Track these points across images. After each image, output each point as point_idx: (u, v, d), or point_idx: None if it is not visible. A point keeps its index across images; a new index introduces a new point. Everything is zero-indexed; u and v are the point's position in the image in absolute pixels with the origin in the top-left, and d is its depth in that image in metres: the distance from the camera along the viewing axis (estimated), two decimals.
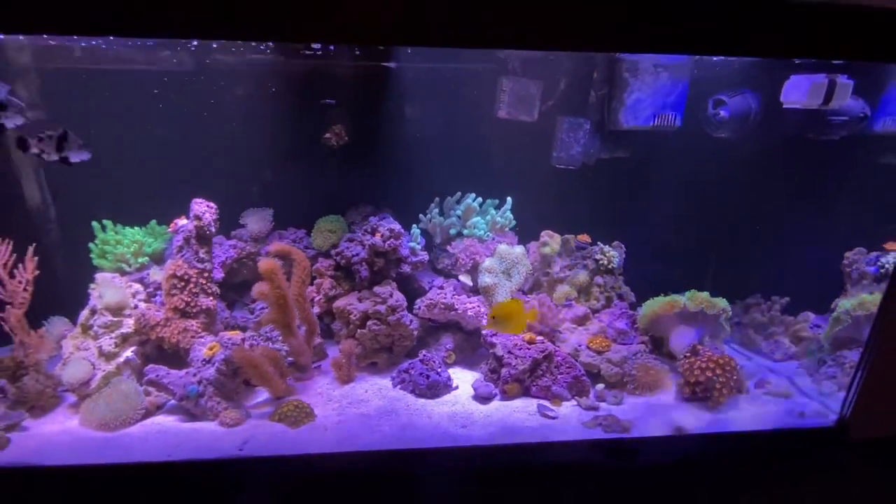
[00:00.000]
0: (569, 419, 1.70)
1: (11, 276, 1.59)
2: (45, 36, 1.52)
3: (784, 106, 1.73)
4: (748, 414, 1.74)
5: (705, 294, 1.86)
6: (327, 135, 1.99)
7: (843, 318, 1.82)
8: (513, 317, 1.58)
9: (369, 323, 1.86)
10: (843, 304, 1.82)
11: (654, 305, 1.89)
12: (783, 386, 1.85)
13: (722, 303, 1.86)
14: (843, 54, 1.42)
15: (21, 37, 1.54)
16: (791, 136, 1.86)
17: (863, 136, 1.82)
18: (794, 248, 2.02)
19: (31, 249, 1.62)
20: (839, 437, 1.68)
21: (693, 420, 1.70)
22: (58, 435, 1.56)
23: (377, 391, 1.81)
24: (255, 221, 2.01)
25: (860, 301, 1.79)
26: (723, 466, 1.61)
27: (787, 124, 1.83)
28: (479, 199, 2.07)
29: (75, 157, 1.41)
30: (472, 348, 2.03)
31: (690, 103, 1.85)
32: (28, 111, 1.67)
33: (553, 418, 1.70)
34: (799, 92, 1.66)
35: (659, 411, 1.74)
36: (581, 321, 1.99)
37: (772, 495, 1.62)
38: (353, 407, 1.73)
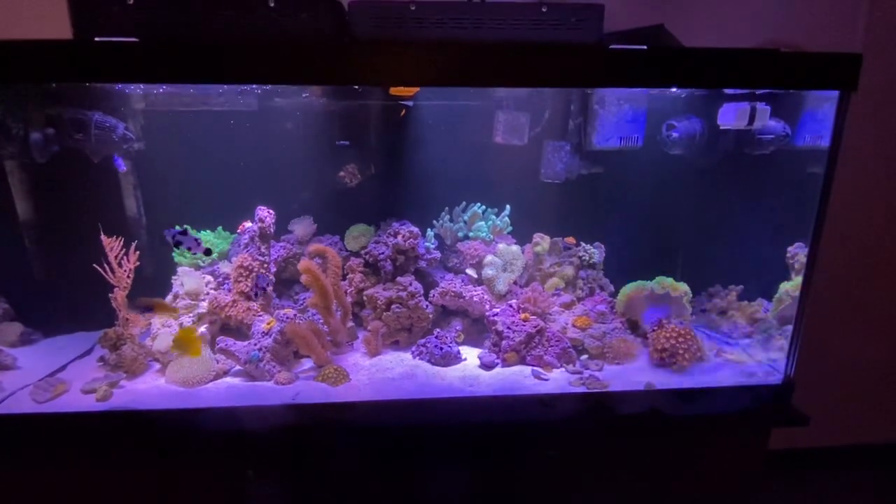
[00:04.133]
0: (558, 380, 2.06)
1: (119, 265, 2.05)
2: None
3: (721, 128, 2.18)
4: (708, 376, 2.09)
5: (670, 279, 2.26)
6: (341, 173, 2.41)
7: (784, 298, 2.19)
8: (191, 344, 1.96)
9: (393, 307, 2.27)
10: (784, 285, 2.20)
11: (628, 290, 2.28)
12: (739, 355, 2.20)
13: (683, 286, 2.24)
14: (764, 85, 1.89)
15: (141, 87, 2.07)
16: (731, 152, 2.30)
17: (789, 151, 2.25)
18: (746, 245, 2.41)
19: (133, 245, 2.08)
20: (786, 391, 2.03)
21: (660, 380, 2.05)
22: (149, 390, 1.97)
23: (400, 361, 2.20)
24: (301, 227, 2.46)
25: (796, 283, 2.17)
26: (684, 415, 1.96)
27: (728, 141, 2.28)
28: (484, 207, 2.52)
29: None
30: (477, 332, 2.41)
31: (649, 127, 2.30)
32: (136, 142, 2.20)
33: (545, 380, 2.06)
34: (729, 116, 2.11)
35: (632, 374, 2.10)
36: (568, 306, 2.38)
37: (724, 434, 1.96)
38: (380, 373, 2.11)
